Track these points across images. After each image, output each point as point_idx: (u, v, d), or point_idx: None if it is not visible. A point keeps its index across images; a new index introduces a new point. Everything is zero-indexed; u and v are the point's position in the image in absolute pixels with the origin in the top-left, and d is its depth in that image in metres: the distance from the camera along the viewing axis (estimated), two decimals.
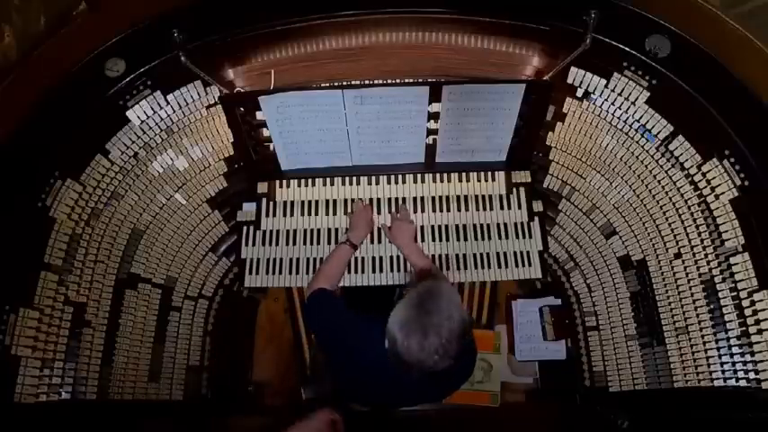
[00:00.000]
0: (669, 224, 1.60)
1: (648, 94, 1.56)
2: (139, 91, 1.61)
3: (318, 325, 1.45)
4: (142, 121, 1.64)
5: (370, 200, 1.82)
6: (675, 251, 1.59)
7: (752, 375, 1.41)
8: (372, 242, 1.78)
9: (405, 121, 1.62)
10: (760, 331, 1.42)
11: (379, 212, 1.81)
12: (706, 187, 1.53)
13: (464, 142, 1.72)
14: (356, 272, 1.75)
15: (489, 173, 1.83)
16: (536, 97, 1.58)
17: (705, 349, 1.51)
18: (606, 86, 1.60)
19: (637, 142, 1.63)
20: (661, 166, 1.60)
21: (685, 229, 1.57)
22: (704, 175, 1.53)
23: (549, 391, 1.96)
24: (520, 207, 1.81)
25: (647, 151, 1.62)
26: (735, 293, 1.46)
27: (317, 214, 1.81)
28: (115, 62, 1.56)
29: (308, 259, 1.76)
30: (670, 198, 1.60)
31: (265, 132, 1.67)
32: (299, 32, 1.61)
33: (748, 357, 1.43)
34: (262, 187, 1.83)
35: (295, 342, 2.04)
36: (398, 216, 1.75)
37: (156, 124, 1.66)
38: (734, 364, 1.45)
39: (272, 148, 1.71)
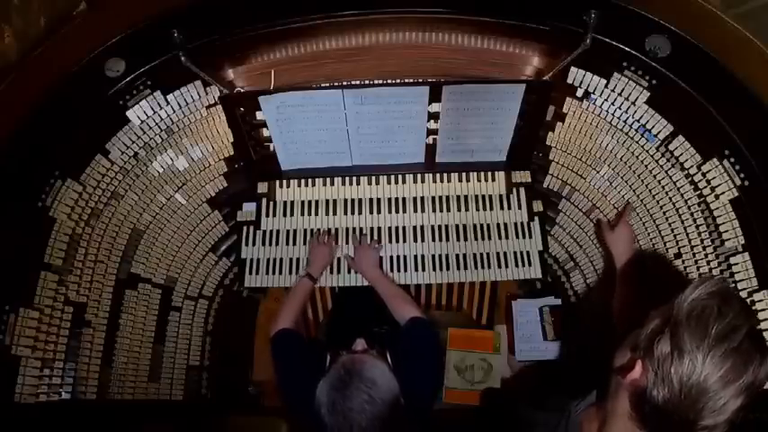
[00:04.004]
0: (669, 224, 1.60)
1: (648, 94, 1.56)
2: (139, 91, 1.60)
3: (283, 367, 1.44)
4: (142, 121, 1.64)
5: (370, 200, 1.82)
6: (675, 251, 1.59)
7: None
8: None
9: (405, 121, 1.62)
10: (760, 331, 1.41)
11: (378, 212, 1.81)
12: (706, 187, 1.52)
13: (464, 142, 1.72)
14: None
15: (489, 173, 1.83)
16: (536, 97, 1.58)
17: None
18: (606, 86, 1.60)
19: (637, 142, 1.63)
20: (661, 166, 1.60)
21: (685, 229, 1.57)
22: (704, 175, 1.52)
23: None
24: (520, 207, 1.81)
25: (647, 151, 1.62)
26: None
27: (316, 214, 1.81)
28: (115, 62, 1.56)
29: (308, 259, 1.76)
30: (670, 198, 1.60)
31: (265, 132, 1.67)
32: (299, 32, 1.61)
33: None
34: (262, 187, 1.83)
35: None
36: (360, 244, 1.75)
37: (156, 124, 1.66)
38: None
39: (272, 148, 1.71)
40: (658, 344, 0.77)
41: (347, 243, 1.79)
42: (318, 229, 1.80)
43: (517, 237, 1.79)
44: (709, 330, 0.74)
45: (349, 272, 1.77)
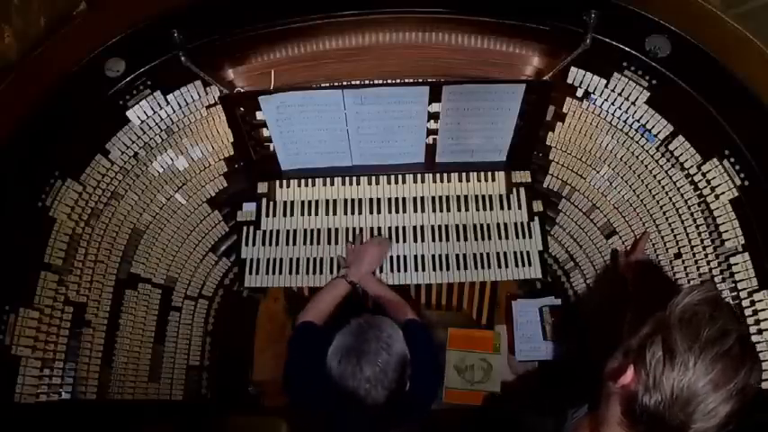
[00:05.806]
0: (669, 224, 1.60)
1: (648, 94, 1.56)
2: (139, 91, 1.60)
3: (297, 357, 1.43)
4: (142, 121, 1.64)
5: (370, 200, 1.82)
6: (675, 251, 1.59)
7: None
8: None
9: (405, 121, 1.62)
10: (760, 331, 1.42)
11: (378, 212, 1.81)
12: (706, 187, 1.52)
13: (464, 142, 1.72)
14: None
15: (489, 173, 1.83)
16: (536, 97, 1.58)
17: None
18: (606, 86, 1.60)
19: (637, 142, 1.63)
20: (661, 166, 1.60)
21: (685, 229, 1.57)
22: (704, 175, 1.52)
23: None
24: (520, 207, 1.81)
25: (647, 151, 1.62)
26: (735, 293, 1.46)
27: (316, 214, 1.81)
28: (115, 62, 1.56)
29: (308, 259, 1.76)
30: (670, 198, 1.60)
31: (265, 132, 1.67)
32: (299, 32, 1.61)
33: None
34: (262, 187, 1.83)
35: None
36: (353, 247, 1.74)
37: (156, 124, 1.66)
38: None
39: (272, 148, 1.71)
40: (650, 348, 0.78)
41: (347, 243, 1.78)
42: (321, 229, 1.79)
43: (517, 237, 1.79)
44: (700, 334, 0.75)
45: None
